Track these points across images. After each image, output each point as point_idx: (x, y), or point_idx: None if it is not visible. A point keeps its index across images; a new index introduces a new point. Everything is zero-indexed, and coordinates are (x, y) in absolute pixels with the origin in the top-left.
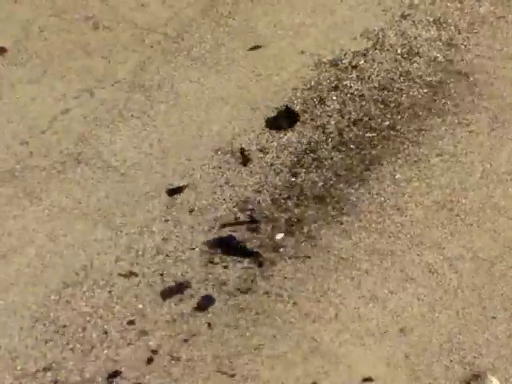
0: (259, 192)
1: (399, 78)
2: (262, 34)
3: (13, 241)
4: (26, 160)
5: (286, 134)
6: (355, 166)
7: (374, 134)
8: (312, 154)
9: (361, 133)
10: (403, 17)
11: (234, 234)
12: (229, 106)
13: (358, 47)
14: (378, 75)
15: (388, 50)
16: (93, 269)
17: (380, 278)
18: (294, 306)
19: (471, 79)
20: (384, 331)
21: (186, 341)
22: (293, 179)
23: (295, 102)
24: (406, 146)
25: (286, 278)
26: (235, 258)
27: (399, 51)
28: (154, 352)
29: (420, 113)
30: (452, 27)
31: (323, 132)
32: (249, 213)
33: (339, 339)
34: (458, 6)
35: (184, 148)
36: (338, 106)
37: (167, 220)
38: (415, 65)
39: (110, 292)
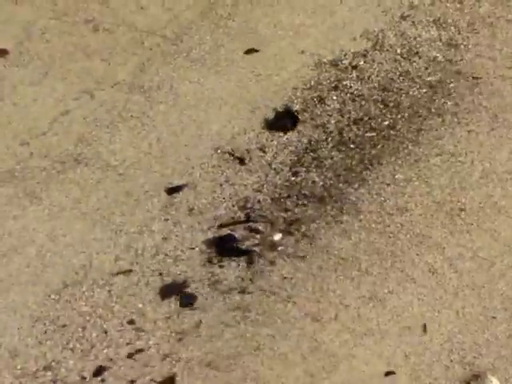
0: (259, 191)
1: (399, 78)
2: (262, 34)
3: (13, 240)
4: (27, 160)
5: (286, 134)
6: (355, 165)
7: (374, 134)
8: (312, 154)
9: (361, 132)
10: (403, 17)
11: (233, 233)
12: (228, 106)
13: (358, 48)
14: (377, 75)
15: (388, 50)
16: (92, 268)
17: (380, 278)
18: (294, 306)
19: (471, 79)
20: (384, 331)
21: (181, 340)
22: (293, 178)
23: (295, 101)
24: (405, 146)
25: (285, 277)
26: (230, 257)
27: (399, 51)
28: (153, 352)
29: (420, 112)
30: (452, 27)
31: (323, 131)
32: (248, 211)
33: (339, 339)
34: (458, 6)
35: (183, 147)
36: (337, 106)
37: (167, 219)
38: (415, 65)
39: (109, 291)
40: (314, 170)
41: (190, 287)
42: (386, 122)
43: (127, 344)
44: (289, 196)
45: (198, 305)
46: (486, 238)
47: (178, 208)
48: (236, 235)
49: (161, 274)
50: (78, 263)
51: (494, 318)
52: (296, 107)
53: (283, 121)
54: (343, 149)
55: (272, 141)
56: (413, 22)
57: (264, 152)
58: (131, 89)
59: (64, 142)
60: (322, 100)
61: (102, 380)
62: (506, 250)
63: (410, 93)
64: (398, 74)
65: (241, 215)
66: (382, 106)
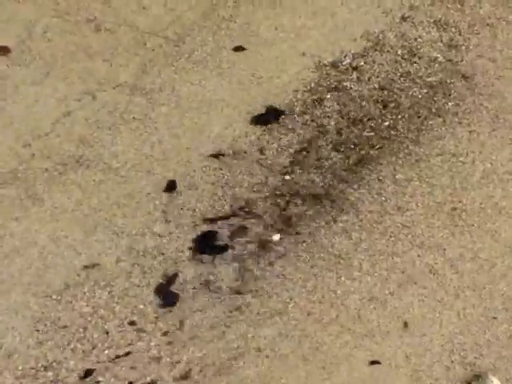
0: (259, 191)
1: (399, 79)
2: (264, 37)
3: (15, 242)
4: (29, 162)
5: (286, 135)
6: (355, 166)
7: (374, 134)
8: (312, 154)
9: (361, 133)
10: (403, 19)
11: (214, 230)
12: (230, 108)
13: (359, 49)
14: (378, 76)
15: (388, 51)
16: (94, 269)
17: (381, 278)
18: (295, 307)
19: (472, 80)
20: (385, 332)
21: (186, 342)
22: (293, 179)
23: (295, 103)
24: (406, 146)
25: (286, 278)
26: (209, 254)
27: (399, 52)
28: (155, 353)
29: (420, 113)
30: (453, 28)
31: (323, 132)
32: (247, 210)
33: (340, 340)
34: (459, 7)
35: (185, 150)
36: (337, 107)
37: (168, 221)
38: (415, 66)
39: (110, 292)
40: (314, 170)
41: (176, 285)
42: (387, 123)
43: (128, 345)
44: (289, 196)
45: (187, 304)
46: (487, 238)
47: (178, 209)
48: (219, 232)
49: (162, 274)
50: (79, 264)
51: (494, 318)
52: (296, 109)
53: (267, 116)
54: (343, 149)
55: (273, 144)
56: (413, 23)
57: (264, 154)
58: (133, 90)
59: (66, 143)
60: (322, 101)
61: (101, 381)
62: (506, 251)
63: (411, 93)
64: (398, 74)
65: (241, 214)
66: (382, 107)
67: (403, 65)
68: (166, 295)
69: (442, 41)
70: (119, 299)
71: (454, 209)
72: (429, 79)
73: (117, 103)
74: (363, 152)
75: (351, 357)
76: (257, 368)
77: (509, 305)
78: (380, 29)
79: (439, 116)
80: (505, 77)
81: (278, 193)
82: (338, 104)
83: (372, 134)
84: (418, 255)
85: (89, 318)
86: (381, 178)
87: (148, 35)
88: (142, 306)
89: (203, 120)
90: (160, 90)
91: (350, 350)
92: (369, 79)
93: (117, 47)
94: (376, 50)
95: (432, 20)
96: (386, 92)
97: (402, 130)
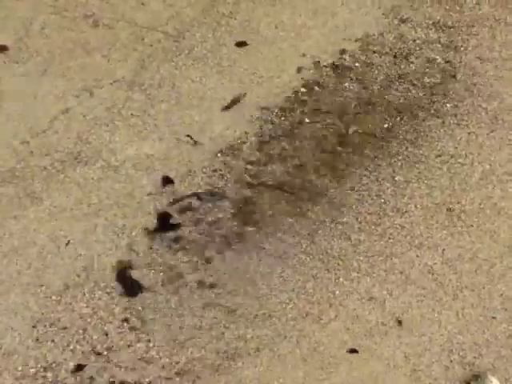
0: (259, 192)
1: (398, 80)
2: (264, 35)
3: (14, 241)
4: (27, 159)
5: (286, 137)
6: (355, 167)
7: (374, 135)
8: (312, 155)
9: (360, 133)
10: (402, 20)
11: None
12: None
13: (358, 49)
14: (377, 77)
15: (387, 52)
16: (93, 270)
17: (379, 279)
18: (294, 307)
19: (470, 81)
20: (384, 332)
21: (184, 342)
22: (292, 179)
23: (295, 103)
24: (405, 148)
25: (285, 279)
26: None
27: (399, 53)
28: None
29: (419, 114)
30: (451, 29)
31: (323, 133)
32: (248, 209)
33: (338, 340)
34: (457, 8)
35: (186, 148)
36: (337, 108)
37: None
38: (414, 67)
39: (110, 294)
40: (314, 171)
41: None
42: (386, 125)
43: (128, 346)
44: (288, 196)
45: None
46: (486, 239)
47: (179, 210)
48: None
49: (162, 274)
50: (79, 265)
51: (493, 318)
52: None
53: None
54: (342, 150)
55: (274, 149)
56: (412, 24)
57: (264, 154)
58: (131, 86)
59: (64, 140)
60: (322, 101)
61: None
62: (505, 251)
63: (409, 94)
64: (397, 75)
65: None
66: (381, 108)
67: (402, 66)
68: (130, 284)
69: (440, 42)
70: (119, 300)
71: (453, 209)
72: (427, 80)
73: (115, 100)
74: (364, 153)
75: (350, 357)
76: (255, 368)
77: (508, 305)
78: (379, 30)
79: (438, 117)
80: (504, 78)
81: (277, 192)
82: (338, 104)
83: (373, 134)
84: (417, 256)
85: (88, 320)
86: (380, 179)
87: (146, 30)
88: (140, 308)
89: (204, 118)
90: (159, 86)
91: (349, 349)
92: (368, 80)
93: (115, 43)
94: (375, 51)
95: (431, 21)
96: (385, 92)
97: (400, 132)
